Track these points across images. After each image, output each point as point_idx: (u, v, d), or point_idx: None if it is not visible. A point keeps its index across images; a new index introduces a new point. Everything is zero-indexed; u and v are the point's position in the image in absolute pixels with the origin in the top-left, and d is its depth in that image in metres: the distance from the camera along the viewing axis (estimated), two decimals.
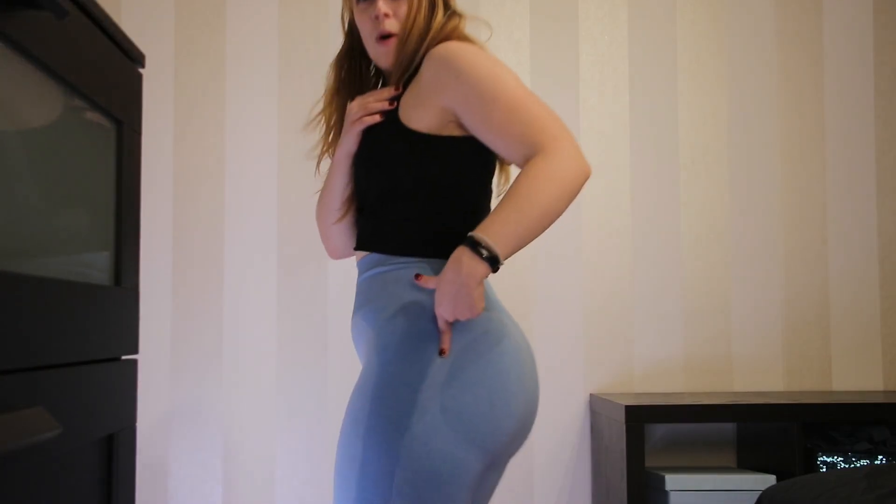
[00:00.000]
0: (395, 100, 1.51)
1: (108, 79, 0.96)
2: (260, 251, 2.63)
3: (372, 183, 1.50)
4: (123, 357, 1.01)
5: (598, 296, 2.69)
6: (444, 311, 1.37)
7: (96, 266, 0.96)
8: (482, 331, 1.41)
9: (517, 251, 1.24)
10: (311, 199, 2.64)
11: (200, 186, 2.63)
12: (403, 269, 1.47)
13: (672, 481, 2.31)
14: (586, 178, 1.39)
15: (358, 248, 1.53)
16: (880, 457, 2.27)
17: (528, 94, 1.43)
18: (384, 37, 1.53)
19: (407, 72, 1.52)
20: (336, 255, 1.70)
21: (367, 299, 1.50)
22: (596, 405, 2.58)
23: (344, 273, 2.63)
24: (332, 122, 1.62)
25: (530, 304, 2.67)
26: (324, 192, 1.64)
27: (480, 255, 1.34)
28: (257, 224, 2.63)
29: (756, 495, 2.26)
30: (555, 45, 2.72)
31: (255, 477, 2.59)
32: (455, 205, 1.48)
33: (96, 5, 0.93)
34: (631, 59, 2.73)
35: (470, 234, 1.36)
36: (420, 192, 1.47)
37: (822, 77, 2.73)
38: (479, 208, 1.52)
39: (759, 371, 2.68)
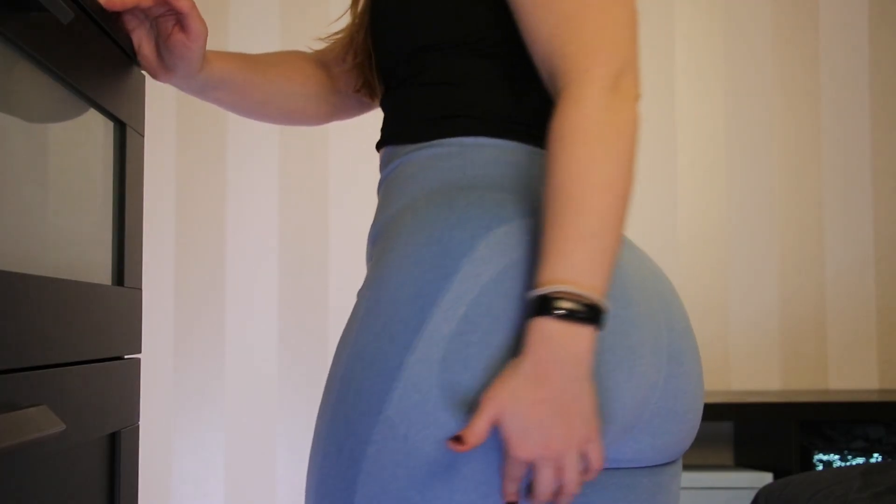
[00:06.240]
0: None
1: (111, 80, 0.97)
2: (262, 250, 2.63)
3: (421, 35, 0.96)
4: (126, 356, 1.02)
5: None
6: (531, 447, 0.80)
7: (99, 266, 0.97)
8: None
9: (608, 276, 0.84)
10: (314, 200, 2.65)
11: (202, 186, 2.64)
12: (469, 148, 0.95)
13: None
14: (634, 128, 0.85)
15: (390, 142, 1.00)
16: (876, 455, 2.28)
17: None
18: None
19: None
20: (317, 117, 1.24)
21: (399, 193, 0.97)
22: None
23: (346, 271, 2.64)
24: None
25: None
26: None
27: (573, 315, 0.80)
28: (259, 223, 2.64)
29: (753, 493, 2.27)
30: None
31: (257, 475, 2.60)
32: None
33: (100, 7, 0.93)
34: None
35: (536, 289, 0.82)
36: (505, 42, 0.94)
37: (818, 78, 2.74)
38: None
39: (756, 370, 2.69)
